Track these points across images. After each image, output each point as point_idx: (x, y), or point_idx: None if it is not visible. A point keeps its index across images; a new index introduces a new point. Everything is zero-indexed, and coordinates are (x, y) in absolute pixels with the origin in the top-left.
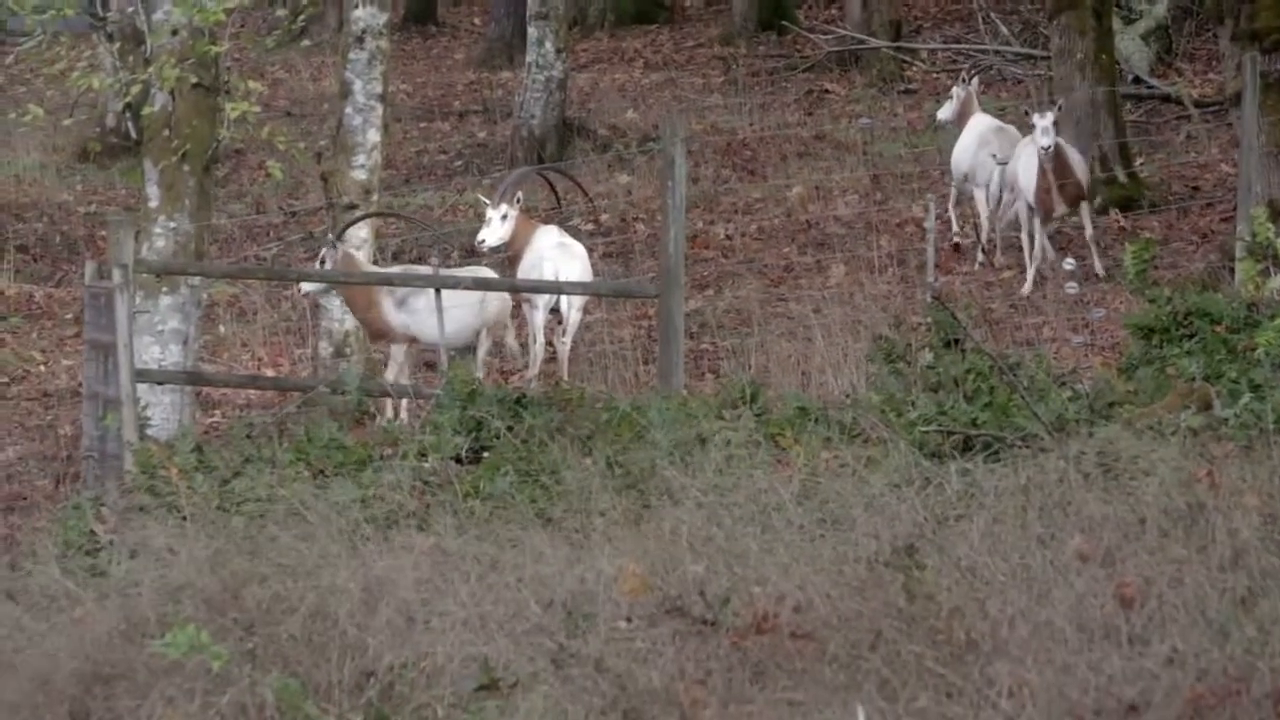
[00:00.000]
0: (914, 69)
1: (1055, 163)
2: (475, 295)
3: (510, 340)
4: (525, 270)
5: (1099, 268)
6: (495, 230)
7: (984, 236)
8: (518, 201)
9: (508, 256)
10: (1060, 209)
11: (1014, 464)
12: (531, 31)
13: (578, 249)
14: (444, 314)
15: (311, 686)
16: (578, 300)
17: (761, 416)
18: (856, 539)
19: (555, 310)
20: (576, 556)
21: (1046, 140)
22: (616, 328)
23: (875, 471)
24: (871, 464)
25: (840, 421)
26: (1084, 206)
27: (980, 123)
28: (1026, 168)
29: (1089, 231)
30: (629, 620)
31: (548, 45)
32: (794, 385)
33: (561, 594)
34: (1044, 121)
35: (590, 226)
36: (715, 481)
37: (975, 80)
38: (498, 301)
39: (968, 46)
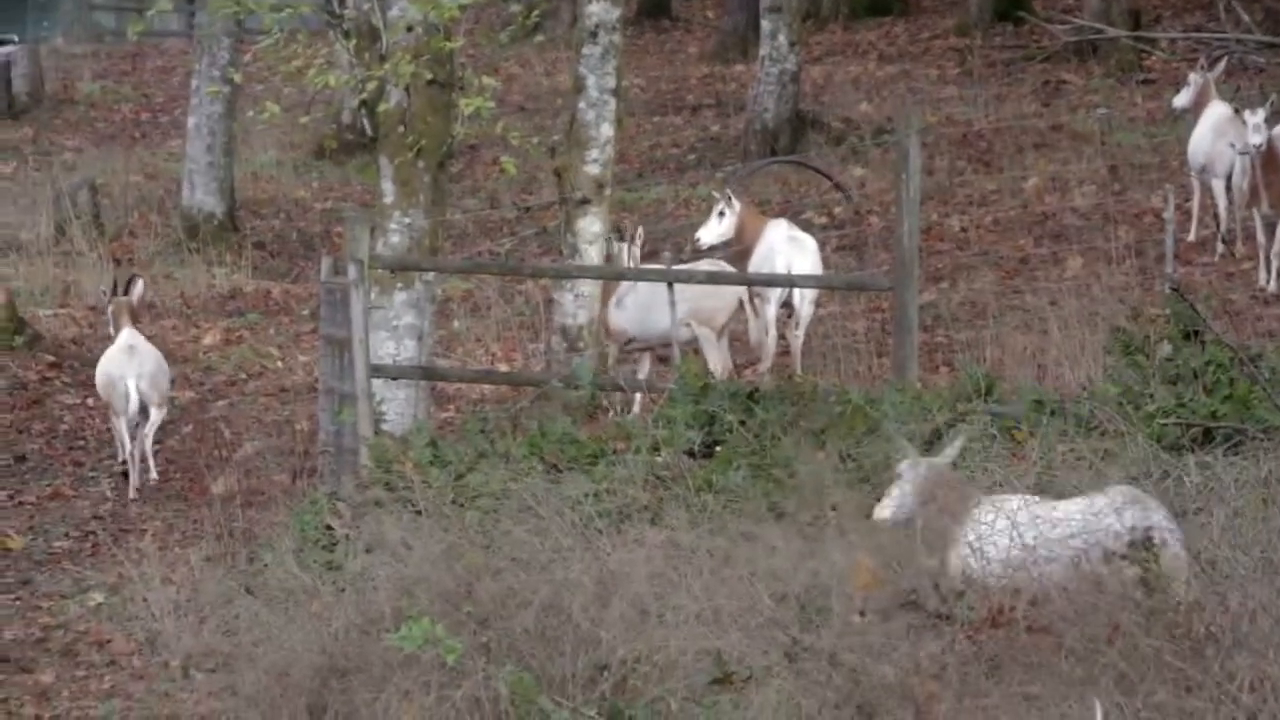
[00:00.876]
0: (1153, 58)
1: (1265, 160)
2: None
3: (753, 332)
4: (756, 264)
5: (1273, 284)
6: (712, 229)
7: (1223, 226)
8: (730, 197)
9: (737, 251)
10: (1266, 208)
11: (1255, 456)
12: (765, 25)
13: (809, 242)
14: (650, 310)
15: (545, 680)
16: (810, 293)
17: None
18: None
19: (788, 304)
20: (810, 550)
21: (1258, 138)
22: (850, 321)
23: (1113, 465)
24: (1109, 457)
25: (1077, 414)
26: None
27: (1217, 111)
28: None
29: (1278, 240)
30: (863, 614)
31: (781, 38)
32: (1029, 378)
33: (795, 588)
34: (1255, 119)
35: (824, 219)
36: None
37: (1214, 68)
38: (706, 298)
39: (1209, 35)
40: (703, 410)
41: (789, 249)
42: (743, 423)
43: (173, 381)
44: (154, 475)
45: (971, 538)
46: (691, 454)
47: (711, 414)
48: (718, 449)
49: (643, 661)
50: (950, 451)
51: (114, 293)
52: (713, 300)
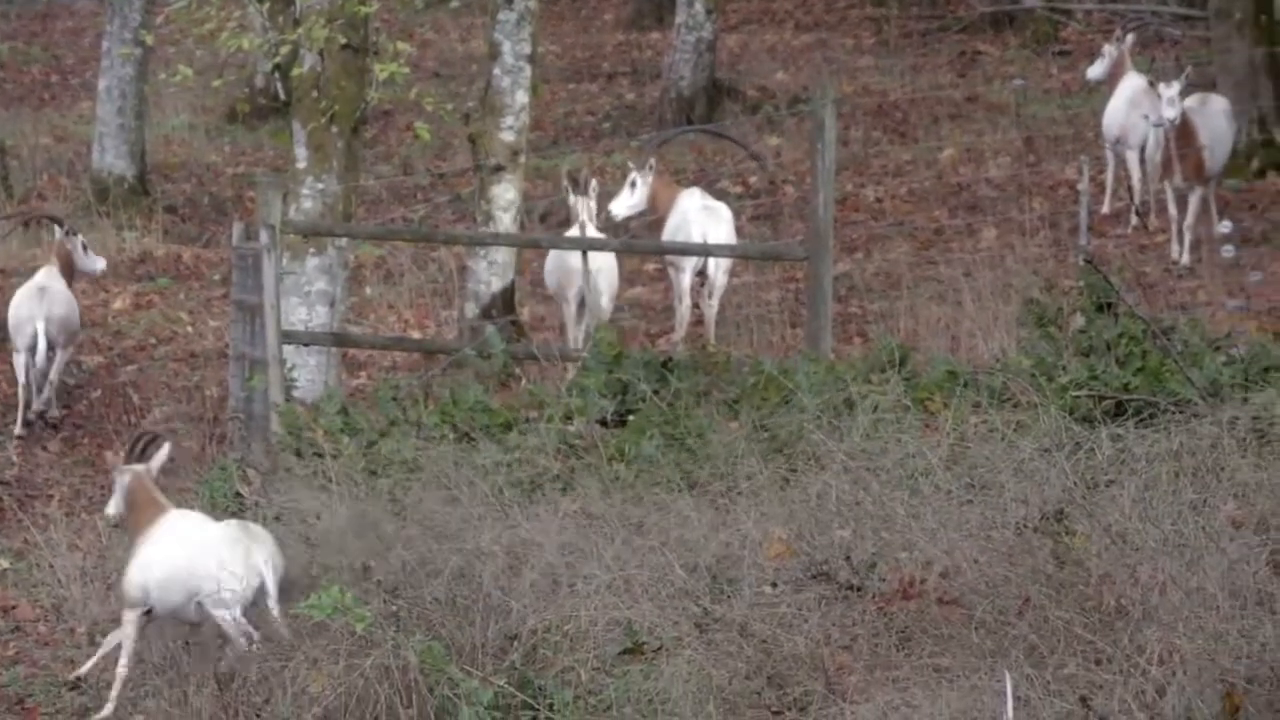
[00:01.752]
0: (1069, 30)
1: (1179, 133)
2: None
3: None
4: (671, 233)
5: (1185, 257)
6: (624, 200)
7: (1137, 199)
8: (650, 167)
9: (651, 221)
10: (1179, 181)
11: (1166, 429)
12: None
13: (724, 211)
14: None
15: (455, 649)
16: (725, 263)
17: (910, 380)
18: (1005, 504)
19: (702, 273)
20: (722, 521)
21: (1172, 111)
22: (764, 291)
23: (1025, 436)
24: (1021, 429)
25: (990, 386)
26: (1208, 184)
27: (1131, 83)
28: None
29: (1191, 213)
30: (774, 585)
31: (698, 5)
32: (943, 349)
33: (706, 558)
34: (1170, 92)
35: (739, 189)
36: (862, 446)
37: (1129, 39)
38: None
39: (1124, 6)
40: (616, 379)
41: (703, 218)
42: (656, 392)
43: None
44: (55, 413)
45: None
46: (604, 423)
47: (625, 383)
48: (631, 418)
49: (553, 631)
50: (160, 457)
51: None
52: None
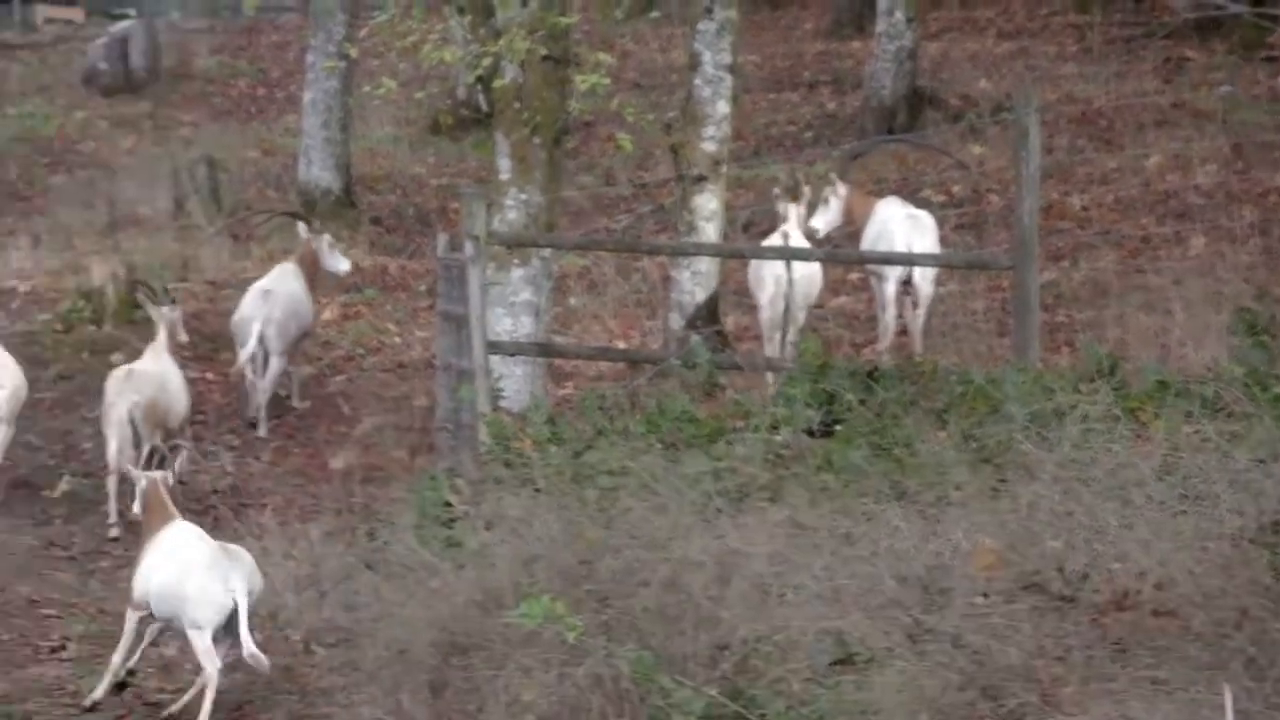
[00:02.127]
0: (1277, 36)
1: None
2: None
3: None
4: (870, 242)
5: None
6: (821, 216)
7: None
8: (836, 180)
9: (850, 231)
10: None
11: None
12: (881, 1)
13: (927, 219)
14: None
15: (666, 659)
16: (929, 272)
17: (1120, 390)
18: (1220, 515)
19: (907, 282)
20: (931, 531)
21: None
22: (970, 300)
23: (1239, 446)
24: (1235, 439)
25: (1202, 395)
26: None
27: None
28: None
29: None
30: (985, 596)
31: (898, 14)
32: (1152, 358)
33: (917, 569)
34: None
35: (942, 198)
36: (1072, 456)
37: None
38: None
39: None
40: (822, 389)
41: (907, 227)
42: (863, 402)
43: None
44: (262, 432)
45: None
46: (811, 433)
47: (831, 393)
48: (837, 428)
49: (764, 641)
50: (179, 462)
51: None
52: None
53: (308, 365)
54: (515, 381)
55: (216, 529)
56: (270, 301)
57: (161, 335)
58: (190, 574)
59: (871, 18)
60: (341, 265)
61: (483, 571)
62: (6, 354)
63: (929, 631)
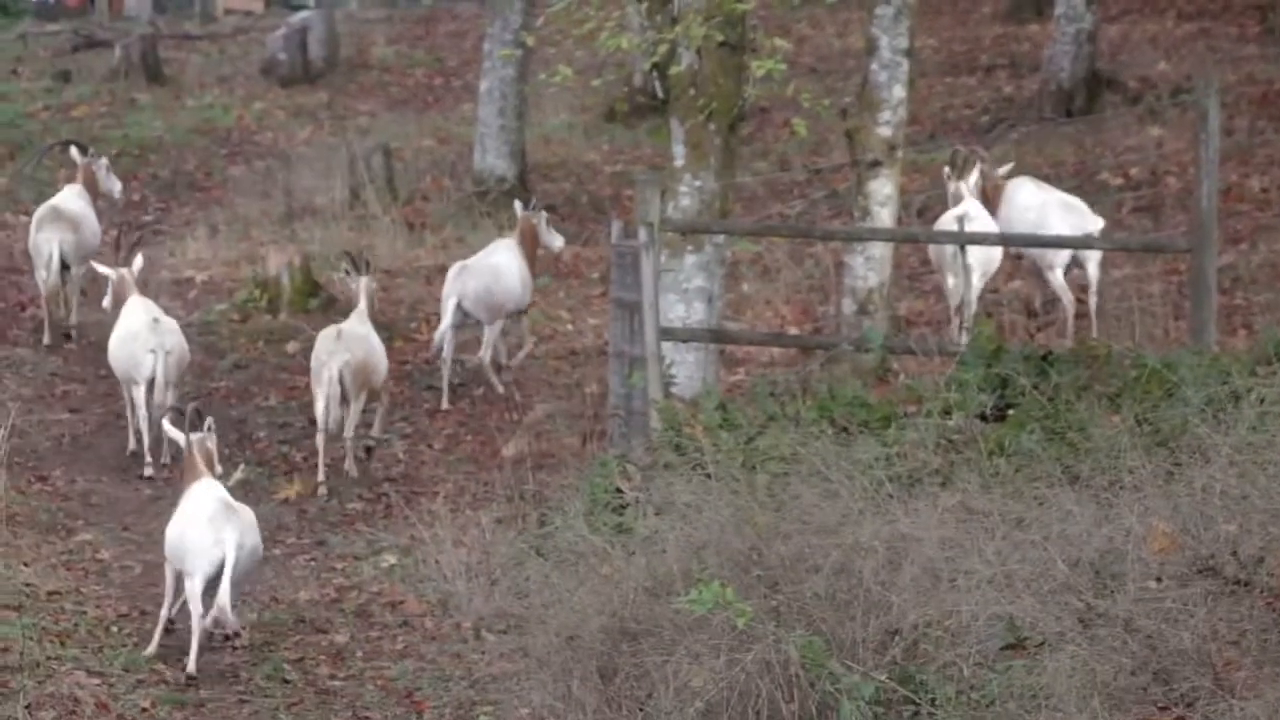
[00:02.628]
0: None
1: None
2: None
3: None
4: (1008, 226)
5: None
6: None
7: None
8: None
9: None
10: None
11: None
12: None
13: (1078, 202)
14: None
15: (836, 644)
16: (1097, 255)
17: None
18: None
19: (1079, 266)
20: (1104, 515)
21: None
22: (1146, 283)
23: None
24: None
25: None
26: None
27: None
28: None
29: None
30: (1158, 580)
31: None
32: None
33: (1089, 553)
34: None
35: (1120, 180)
36: (1248, 439)
37: None
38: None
39: None
40: (995, 373)
41: (1063, 212)
42: (1036, 386)
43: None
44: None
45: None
46: (983, 417)
47: (1004, 377)
48: (1010, 412)
49: (934, 626)
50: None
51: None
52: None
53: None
54: (687, 368)
55: (388, 516)
56: (464, 275)
57: (363, 302)
58: (190, 525)
59: (1050, 0)
60: (555, 241)
61: (653, 557)
62: (168, 318)
63: (1101, 616)
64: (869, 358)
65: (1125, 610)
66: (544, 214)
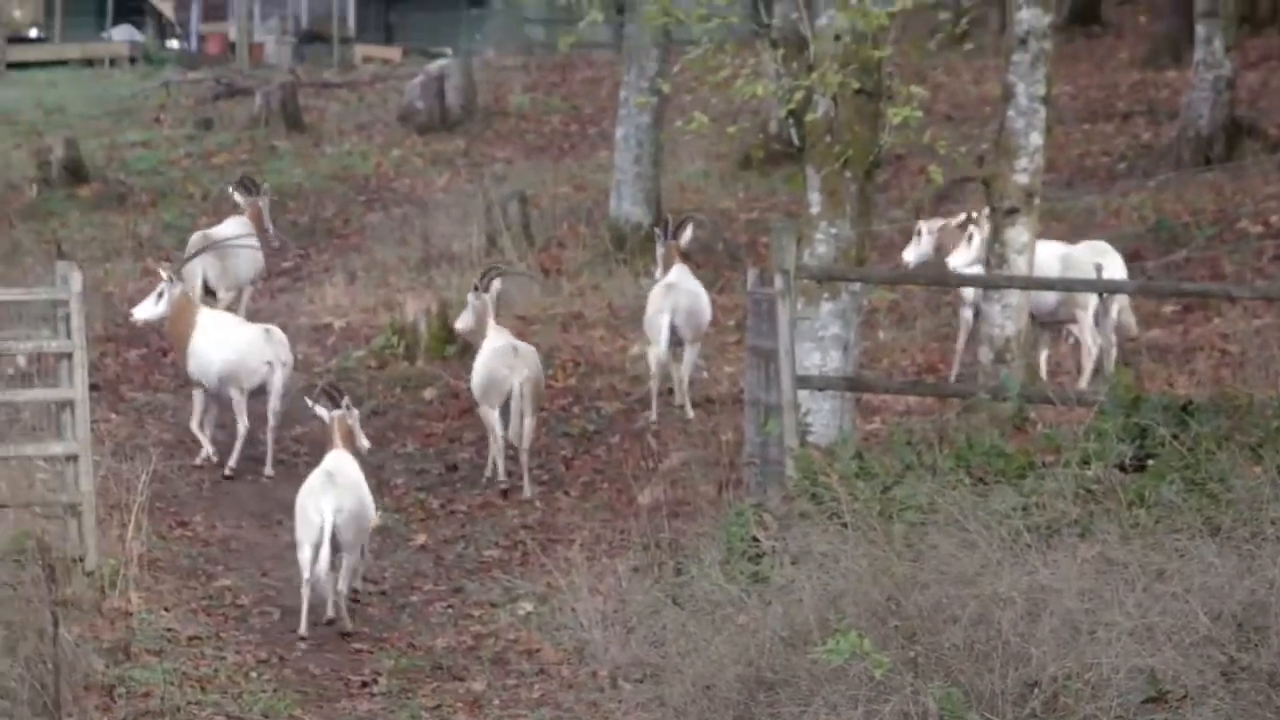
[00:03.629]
0: None
1: None
2: None
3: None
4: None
5: None
6: (913, 250)
7: None
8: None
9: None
10: None
11: None
12: (1199, 29)
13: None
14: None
15: (974, 696)
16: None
17: None
18: None
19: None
20: (1247, 567)
21: None
22: None
23: None
24: None
25: None
26: None
27: None
28: None
29: None
30: None
31: (1216, 43)
32: None
33: (1231, 605)
34: None
35: (1260, 228)
36: None
37: None
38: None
39: None
40: (1134, 423)
41: (1092, 254)
42: (1175, 436)
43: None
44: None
45: None
46: (1122, 468)
47: (1143, 427)
48: (1150, 463)
49: (1074, 679)
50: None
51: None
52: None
53: (616, 401)
54: (823, 416)
55: (525, 563)
56: (674, 293)
57: (490, 317)
58: (302, 494)
59: (1189, 46)
60: None
61: (789, 607)
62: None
63: (1244, 669)
64: (1006, 406)
65: (1269, 664)
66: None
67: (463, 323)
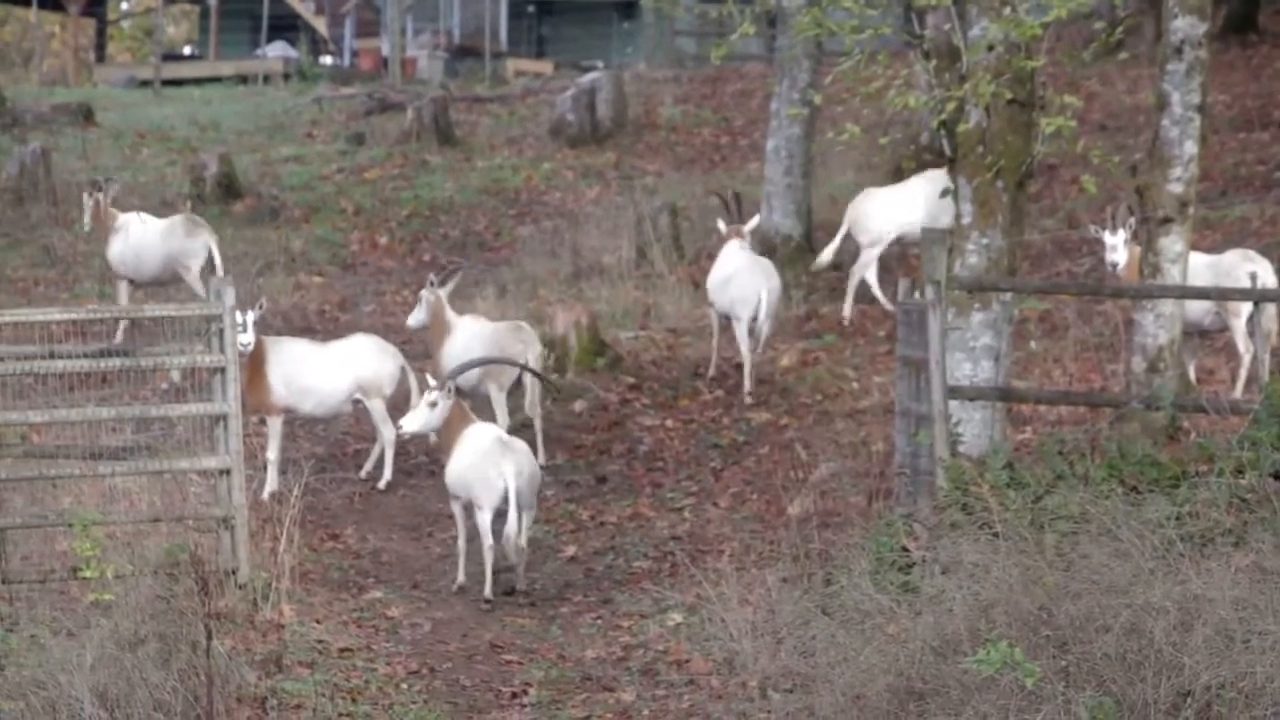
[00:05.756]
0: None
1: None
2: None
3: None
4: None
5: None
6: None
7: None
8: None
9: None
10: None
11: None
12: None
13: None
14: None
15: (1126, 706)
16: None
17: None
18: None
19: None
20: None
21: None
22: None
23: None
24: None
25: None
26: None
27: None
28: None
29: None
30: None
31: None
32: None
33: None
34: None
35: None
36: None
37: None
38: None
39: None
40: None
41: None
42: None
43: None
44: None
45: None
46: (1277, 476)
47: None
48: None
49: (1227, 688)
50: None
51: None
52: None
53: (766, 412)
54: (974, 426)
55: (674, 574)
56: (764, 271)
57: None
58: (474, 462)
59: None
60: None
61: (940, 617)
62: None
63: None
64: (1159, 416)
65: None
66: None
67: (414, 319)
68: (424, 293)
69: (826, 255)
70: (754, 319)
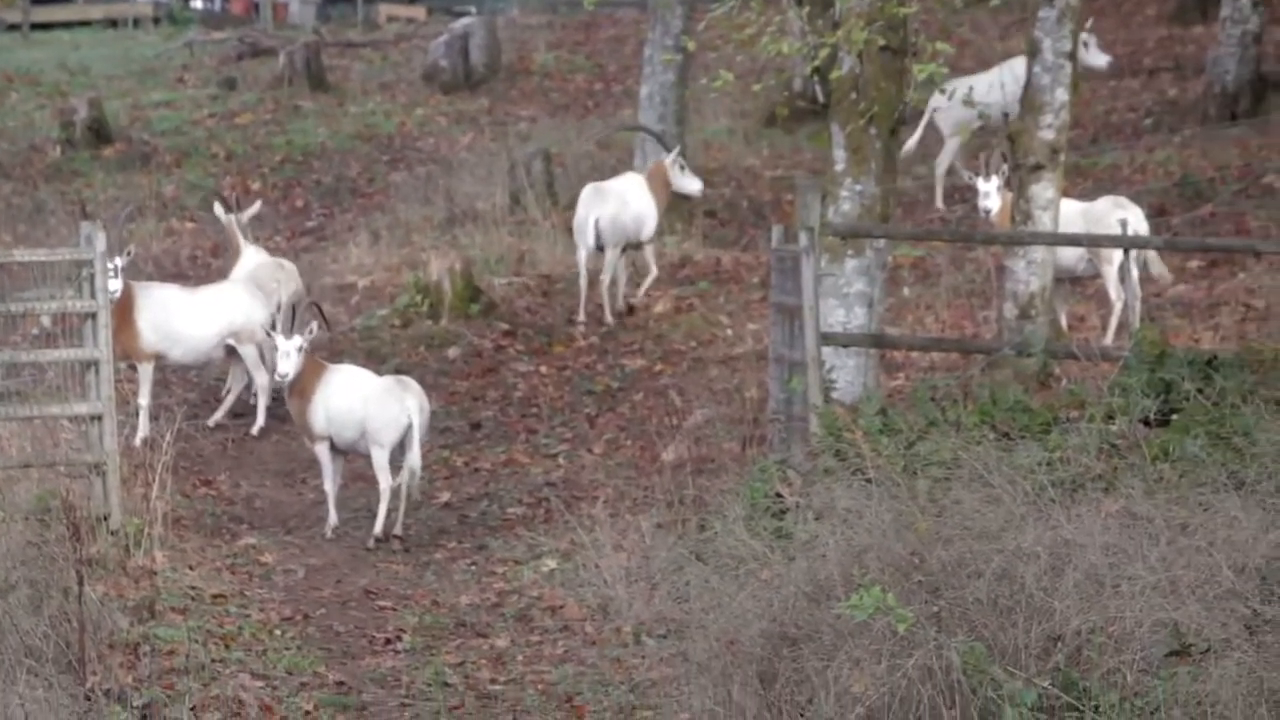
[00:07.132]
0: None
1: None
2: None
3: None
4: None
5: None
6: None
7: None
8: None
9: None
10: None
11: None
12: None
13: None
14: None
15: (998, 650)
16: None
17: None
18: None
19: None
20: (1271, 521)
21: None
22: None
23: None
24: None
25: None
26: None
27: None
28: None
29: None
30: None
31: None
32: None
33: (1255, 559)
34: None
35: None
36: None
37: None
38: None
39: None
40: (1158, 378)
41: (1115, 210)
42: (1200, 391)
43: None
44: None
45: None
46: (1147, 422)
47: (1168, 382)
48: (1174, 417)
49: (1097, 632)
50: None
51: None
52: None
53: (640, 358)
54: (847, 373)
55: (548, 520)
56: (601, 195)
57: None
58: (377, 398)
59: (1216, 2)
60: (691, 184)
61: (813, 562)
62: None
63: (1268, 623)
64: (1030, 362)
65: None
66: (678, 158)
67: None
68: (219, 212)
69: (911, 143)
70: (597, 248)
